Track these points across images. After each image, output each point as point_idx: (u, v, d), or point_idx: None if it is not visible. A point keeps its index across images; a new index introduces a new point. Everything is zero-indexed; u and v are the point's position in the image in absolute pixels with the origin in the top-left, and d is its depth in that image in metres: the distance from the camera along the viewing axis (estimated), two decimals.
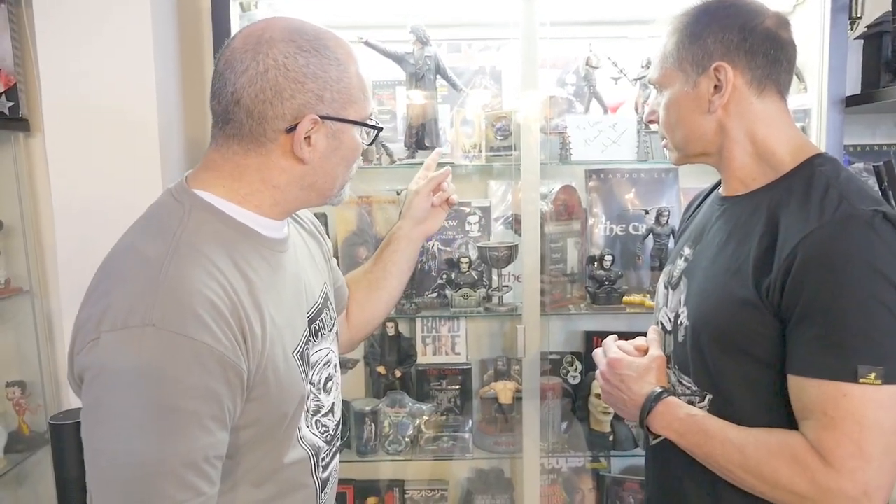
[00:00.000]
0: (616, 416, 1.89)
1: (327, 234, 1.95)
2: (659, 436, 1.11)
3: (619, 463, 2.08)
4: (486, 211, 1.99)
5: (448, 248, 1.97)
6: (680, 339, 1.08)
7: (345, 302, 1.24)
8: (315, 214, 1.95)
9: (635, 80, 1.86)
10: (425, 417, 1.92)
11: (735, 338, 0.98)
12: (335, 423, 1.04)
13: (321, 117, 0.86)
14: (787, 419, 0.95)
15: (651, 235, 1.89)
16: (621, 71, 1.86)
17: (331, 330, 1.05)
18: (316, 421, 0.97)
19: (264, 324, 0.84)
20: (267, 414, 0.85)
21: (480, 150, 1.87)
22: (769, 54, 1.02)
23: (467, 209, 1.99)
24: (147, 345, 0.73)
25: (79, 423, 0.78)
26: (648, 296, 1.89)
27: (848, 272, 0.87)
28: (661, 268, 1.75)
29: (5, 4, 1.84)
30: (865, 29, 1.83)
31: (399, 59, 1.80)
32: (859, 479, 0.85)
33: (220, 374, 0.76)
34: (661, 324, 1.16)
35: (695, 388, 1.04)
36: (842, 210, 0.90)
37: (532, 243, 1.75)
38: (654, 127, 1.16)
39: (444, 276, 1.92)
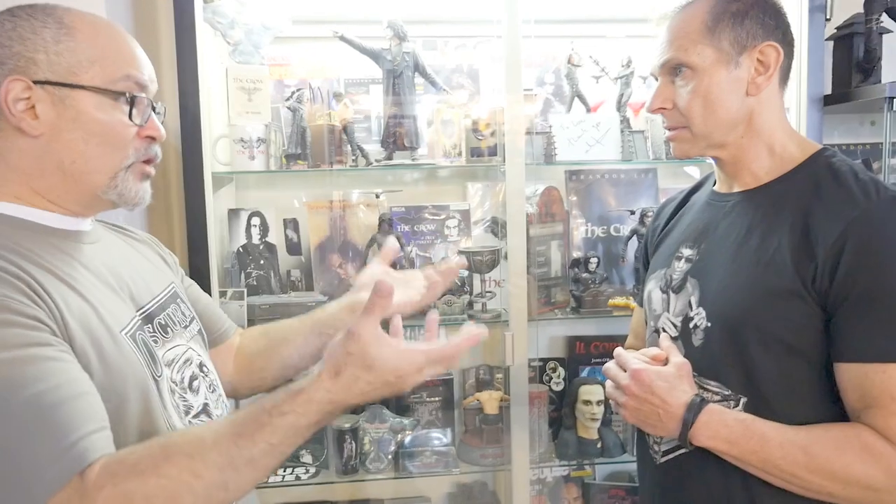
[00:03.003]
0: (603, 423, 1.85)
1: (299, 242, 1.85)
2: (671, 451, 1.06)
3: (601, 470, 2.04)
4: (465, 214, 1.92)
5: (427, 254, 1.89)
6: (697, 342, 1.03)
7: (216, 333, 1.15)
8: (285, 220, 1.87)
9: (616, 78, 1.83)
10: (407, 432, 1.83)
11: (775, 330, 0.94)
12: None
13: (36, 82, 0.80)
14: (827, 416, 0.93)
15: (635, 236, 1.86)
16: (603, 69, 1.83)
17: (186, 327, 1.00)
18: (190, 421, 0.92)
19: (52, 292, 0.77)
20: (100, 390, 0.77)
21: (461, 152, 1.80)
22: (792, 42, 1.03)
23: (444, 214, 1.92)
24: None
25: None
26: (632, 298, 1.85)
27: None
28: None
29: None
30: (836, 30, 1.86)
31: (376, 56, 1.71)
32: None
33: (13, 318, 0.71)
34: (663, 329, 1.11)
35: (726, 393, 0.99)
36: (884, 192, 0.90)
37: (518, 247, 1.69)
38: (658, 117, 1.13)
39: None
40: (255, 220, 1.82)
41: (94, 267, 0.88)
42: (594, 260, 1.83)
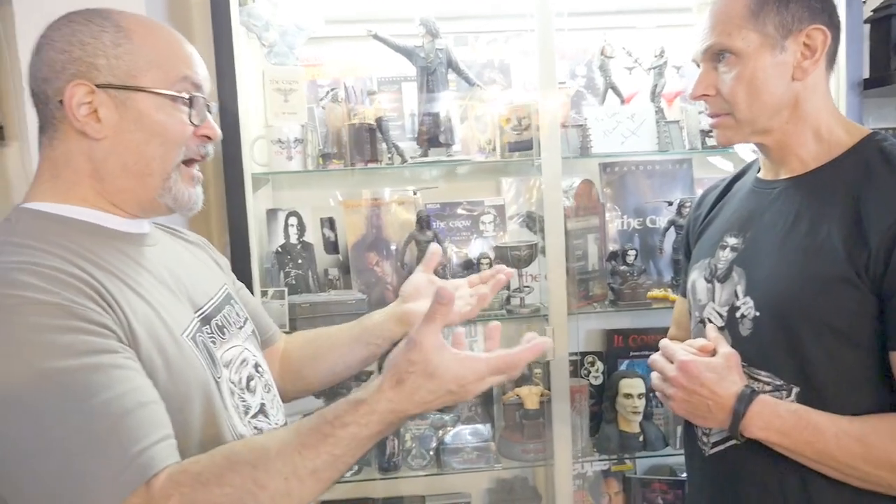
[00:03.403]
0: (645, 416, 1.84)
1: (336, 241, 1.86)
2: (720, 443, 1.05)
3: (642, 464, 2.03)
4: (500, 209, 1.92)
5: (464, 250, 1.89)
6: (745, 332, 1.02)
7: (263, 336, 1.15)
8: (322, 219, 1.88)
9: (649, 69, 1.82)
10: (448, 428, 1.83)
11: (826, 318, 0.93)
12: (276, 422, 0.99)
13: (98, 86, 0.81)
14: (882, 406, 0.92)
15: (673, 228, 1.84)
16: (636, 60, 1.81)
17: (241, 328, 1.01)
18: (249, 421, 0.93)
19: (118, 297, 0.78)
20: (165, 394, 0.77)
21: (494, 147, 1.80)
22: (838, 25, 1.01)
23: (479, 209, 1.92)
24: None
25: None
26: (670, 290, 1.84)
27: None
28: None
29: None
30: (872, 13, 1.83)
31: (409, 53, 1.71)
32: None
33: (84, 326, 0.72)
34: (709, 320, 1.10)
35: (778, 383, 0.98)
36: None
37: (557, 241, 1.68)
38: (692, 107, 1.11)
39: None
40: (293, 220, 1.83)
41: (155, 270, 0.89)
42: (632, 252, 1.82)
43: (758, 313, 1.00)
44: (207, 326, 0.92)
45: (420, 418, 1.83)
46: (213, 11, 1.53)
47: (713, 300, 1.09)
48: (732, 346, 1.02)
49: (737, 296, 1.04)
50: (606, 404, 1.86)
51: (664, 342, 1.08)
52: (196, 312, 0.91)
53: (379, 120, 1.73)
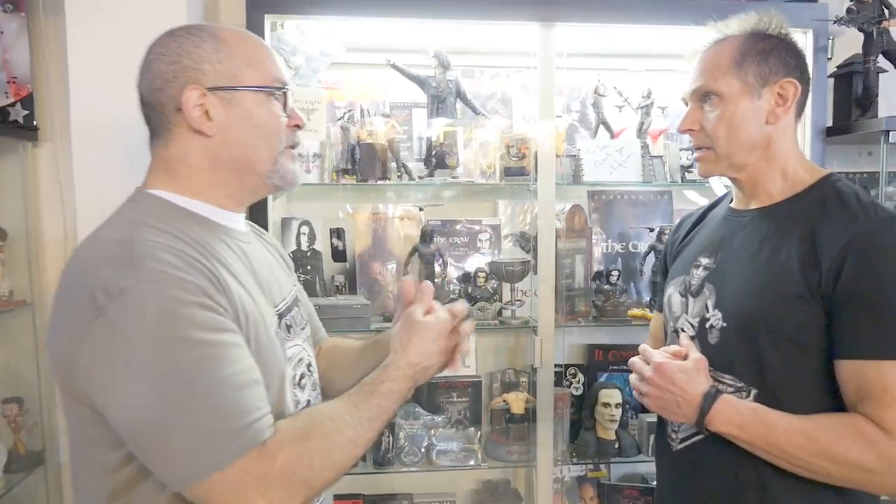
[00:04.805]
0: (621, 425, 1.99)
1: (344, 250, 2.00)
2: (688, 438, 1.18)
3: (616, 471, 2.18)
4: (495, 229, 2.08)
5: (461, 265, 2.05)
6: (712, 340, 1.15)
7: (316, 336, 1.25)
8: (331, 229, 2.02)
9: (637, 108, 2.01)
10: (439, 429, 1.97)
11: (783, 329, 1.06)
12: None
13: (207, 89, 0.92)
14: (829, 407, 1.04)
15: (653, 252, 2.02)
16: (626, 100, 2.00)
17: (303, 329, 1.11)
18: None
19: (231, 289, 0.89)
20: None
21: (494, 172, 1.97)
22: (808, 81, 1.16)
23: (477, 228, 2.08)
24: (152, 296, 0.80)
25: None
26: (649, 309, 2.01)
27: None
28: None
29: (25, 14, 1.83)
30: (836, 69, 2.05)
31: (421, 82, 1.88)
32: None
33: (216, 307, 0.84)
34: (682, 330, 1.22)
35: (739, 385, 1.11)
36: (881, 213, 1.04)
37: (548, 260, 1.84)
38: (687, 138, 1.24)
39: (460, 291, 1.99)
40: (304, 229, 1.98)
41: (250, 265, 0.99)
42: (615, 273, 1.99)
43: (725, 324, 1.13)
44: (281, 323, 1.02)
45: (413, 418, 1.96)
46: None
47: (686, 312, 1.22)
48: (701, 352, 1.15)
49: (707, 308, 1.17)
50: (586, 412, 2.02)
51: (643, 346, 1.22)
52: (274, 308, 1.01)
53: (390, 141, 1.89)
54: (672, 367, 1.13)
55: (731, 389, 1.12)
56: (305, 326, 1.13)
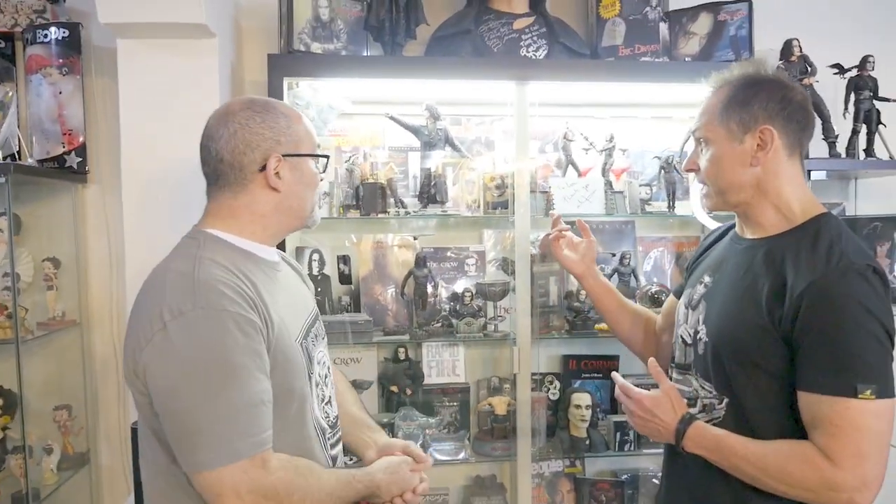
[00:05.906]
0: (591, 424, 2.28)
1: (349, 274, 2.31)
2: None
3: (590, 467, 2.47)
4: (481, 255, 2.40)
5: (450, 286, 2.36)
6: (700, 351, 1.29)
7: None
8: (338, 256, 2.33)
9: (601, 150, 2.33)
10: (433, 429, 2.26)
11: (750, 354, 1.18)
12: (335, 413, 1.33)
13: (282, 155, 1.17)
14: (789, 418, 1.15)
15: (616, 274, 2.33)
16: (591, 143, 2.33)
17: (323, 339, 1.34)
18: (323, 407, 1.26)
19: (269, 312, 1.11)
20: (277, 386, 1.10)
21: (479, 205, 2.29)
22: (800, 122, 1.22)
23: (464, 254, 2.40)
24: (204, 321, 1.03)
25: None
26: None
27: (847, 311, 1.08)
28: None
29: (80, 76, 2.16)
30: None
31: (415, 131, 2.20)
32: (858, 474, 1.06)
33: (254, 334, 1.06)
34: (682, 337, 1.36)
35: (715, 393, 1.25)
36: (842, 263, 1.10)
37: (524, 281, 2.15)
38: (691, 176, 1.37)
39: (449, 308, 2.29)
40: (315, 256, 2.29)
41: (284, 289, 1.23)
42: (583, 292, 2.29)
43: (707, 339, 1.26)
44: (309, 333, 1.26)
45: (410, 420, 2.25)
46: (269, 93, 2.01)
47: (686, 322, 1.34)
48: (693, 360, 1.30)
49: (699, 322, 1.29)
50: (561, 414, 2.32)
51: (617, 377, 1.36)
52: (303, 322, 1.25)
53: (389, 180, 2.21)
54: (648, 399, 1.28)
55: (710, 395, 1.26)
56: (325, 337, 1.37)
